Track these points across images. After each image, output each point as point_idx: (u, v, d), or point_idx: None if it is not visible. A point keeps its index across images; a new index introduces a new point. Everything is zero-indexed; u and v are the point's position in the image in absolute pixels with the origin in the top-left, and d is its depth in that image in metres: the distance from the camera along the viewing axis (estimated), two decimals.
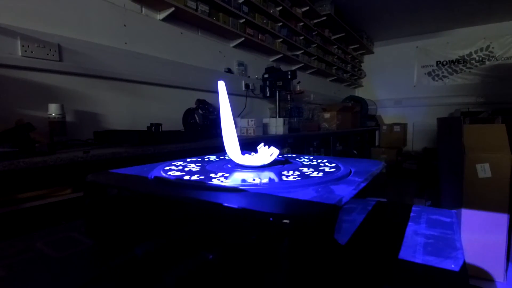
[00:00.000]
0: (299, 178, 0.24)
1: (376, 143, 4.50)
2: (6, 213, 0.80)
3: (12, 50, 1.21)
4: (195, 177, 0.24)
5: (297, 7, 2.98)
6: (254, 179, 0.23)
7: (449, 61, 4.42)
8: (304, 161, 0.35)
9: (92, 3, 1.51)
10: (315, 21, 3.37)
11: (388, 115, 4.91)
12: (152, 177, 0.26)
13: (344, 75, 4.54)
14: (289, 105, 2.70)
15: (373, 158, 4.13)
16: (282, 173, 0.27)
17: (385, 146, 4.22)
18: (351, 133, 3.56)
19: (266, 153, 0.30)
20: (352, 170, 0.30)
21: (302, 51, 3.29)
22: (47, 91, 1.33)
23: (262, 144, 0.32)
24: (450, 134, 2.08)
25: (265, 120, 2.18)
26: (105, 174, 0.28)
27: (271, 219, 0.15)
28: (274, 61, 2.95)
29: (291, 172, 0.27)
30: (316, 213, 0.15)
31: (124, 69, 1.63)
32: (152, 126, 1.44)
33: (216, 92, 1.81)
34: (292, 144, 2.42)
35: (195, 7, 1.92)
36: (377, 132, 4.52)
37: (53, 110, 1.25)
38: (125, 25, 1.68)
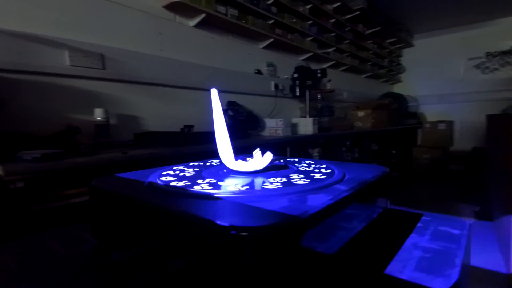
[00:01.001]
0: (281, 186, 0.24)
1: (418, 142, 4.18)
2: (54, 208, 0.90)
3: (61, 60, 1.34)
4: (181, 183, 0.25)
5: (328, 3, 2.89)
6: (235, 186, 0.23)
7: (500, 52, 3.95)
8: (302, 166, 0.35)
9: (131, 14, 1.62)
10: (347, 16, 3.24)
11: (431, 112, 4.53)
12: (147, 182, 0.27)
13: (380, 70, 4.30)
14: (319, 104, 2.64)
15: (415, 159, 3.85)
16: (268, 180, 0.26)
17: (428, 145, 3.91)
18: (388, 132, 3.37)
19: (259, 159, 0.30)
20: (346, 177, 0.28)
21: (334, 48, 3.18)
22: (92, 97, 1.46)
23: (258, 149, 0.32)
24: (501, 132, 1.87)
25: (294, 120, 2.15)
26: (108, 179, 0.30)
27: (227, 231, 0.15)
28: (304, 60, 2.90)
29: (278, 179, 0.27)
30: (271, 225, 0.15)
31: (159, 74, 1.72)
32: (185, 128, 1.50)
33: (245, 93, 1.83)
34: (323, 144, 2.36)
35: (225, 12, 1.96)
36: (419, 131, 4.20)
37: (98, 114, 1.37)
38: (160, 33, 1.77)
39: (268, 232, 0.15)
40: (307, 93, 2.44)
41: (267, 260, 0.16)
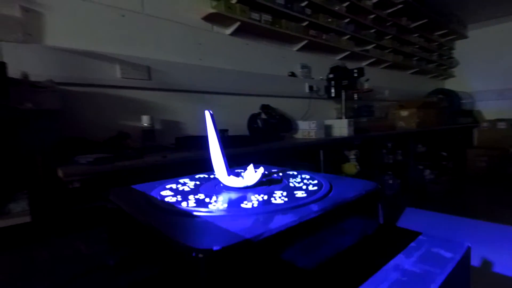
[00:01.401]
0: (256, 205, 0.26)
1: (474, 143, 3.74)
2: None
3: (113, 73, 1.50)
4: (174, 199, 0.29)
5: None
6: (215, 204, 0.26)
7: None
8: (294, 180, 0.36)
9: (174, 27, 1.74)
10: (388, 10, 3.05)
11: (490, 110, 4.00)
12: (147, 196, 0.31)
13: (429, 65, 3.95)
14: (356, 105, 2.52)
15: (470, 161, 3.47)
16: (251, 197, 0.28)
17: (486, 146, 3.48)
18: (436, 132, 3.08)
19: (251, 174, 0.32)
20: (331, 194, 0.29)
21: (373, 45, 3.02)
22: (140, 105, 1.60)
23: (252, 165, 0.34)
24: None
25: (328, 122, 2.10)
26: (122, 190, 0.35)
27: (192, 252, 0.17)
28: (340, 59, 2.80)
29: (260, 197, 0.28)
30: (224, 249, 0.17)
31: (198, 82, 1.81)
32: (219, 132, 1.57)
33: (279, 96, 1.84)
34: (360, 146, 2.26)
35: (258, 19, 2.00)
36: (475, 130, 3.75)
37: (145, 120, 1.50)
38: (199, 44, 1.87)
39: (222, 255, 0.18)
40: (343, 93, 2.36)
41: (222, 280, 0.18)
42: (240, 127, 1.88)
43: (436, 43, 3.88)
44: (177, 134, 1.69)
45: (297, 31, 2.23)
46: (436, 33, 3.83)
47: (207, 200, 0.27)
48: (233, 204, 0.26)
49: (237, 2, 1.87)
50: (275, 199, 0.27)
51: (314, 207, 0.25)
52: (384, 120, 2.76)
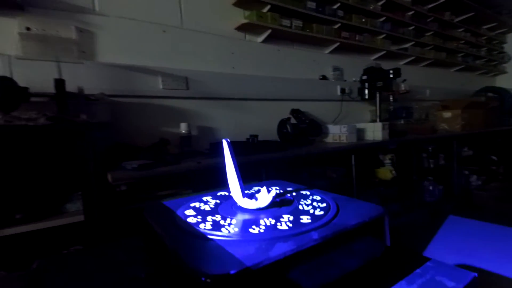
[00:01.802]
0: (262, 231, 0.28)
1: None
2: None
3: (156, 84, 1.62)
4: (194, 220, 0.32)
5: None
6: (228, 227, 0.29)
7: None
8: (305, 202, 0.37)
9: (209, 39, 1.82)
10: (429, 6, 2.84)
11: None
12: (176, 213, 0.35)
13: (476, 62, 3.59)
14: (391, 107, 2.39)
15: None
16: (259, 221, 0.31)
17: None
18: (485, 134, 2.79)
19: (263, 197, 0.34)
20: (335, 221, 0.30)
21: (412, 42, 2.83)
22: (179, 113, 1.71)
23: (264, 187, 0.36)
24: None
25: (361, 125, 2.02)
26: (153, 207, 0.39)
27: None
28: (375, 59, 2.68)
29: (268, 221, 0.31)
30: (225, 275, 0.20)
31: (231, 89, 1.88)
32: (250, 137, 1.61)
33: (310, 100, 1.84)
34: (397, 150, 2.14)
35: (289, 25, 2.00)
36: None
37: (183, 127, 1.60)
38: (232, 53, 1.93)
39: (224, 281, 0.20)
40: (377, 95, 2.25)
41: None
42: (271, 131, 1.90)
43: (485, 37, 3.51)
44: (211, 139, 1.77)
45: (328, 34, 2.19)
46: (484, 27, 3.47)
47: (222, 222, 0.30)
48: (243, 229, 0.29)
49: (268, 11, 1.90)
50: (281, 225, 0.29)
51: (315, 235, 0.26)
52: (425, 122, 2.58)
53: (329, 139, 1.95)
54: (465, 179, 2.68)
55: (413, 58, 2.90)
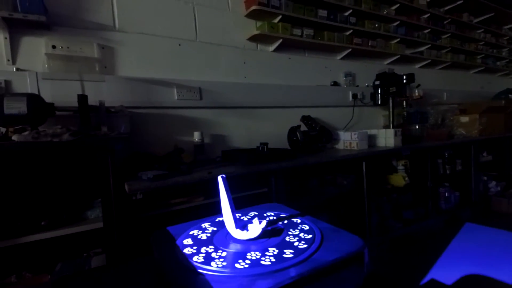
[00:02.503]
0: (247, 266, 0.30)
1: None
2: (164, 213, 1.17)
3: (171, 95, 1.68)
4: (190, 251, 0.35)
5: None
6: (218, 261, 0.31)
7: None
8: (293, 233, 0.39)
9: (222, 51, 1.86)
10: (446, 7, 2.74)
11: None
12: (176, 242, 0.38)
13: (498, 63, 3.41)
14: (404, 112, 2.33)
15: None
16: (246, 254, 0.33)
17: None
18: (505, 139, 2.65)
19: (254, 228, 0.36)
20: (315, 255, 0.31)
21: (428, 45, 2.74)
22: (192, 122, 1.75)
23: (257, 219, 0.38)
24: None
25: (373, 132, 1.99)
26: (158, 235, 0.42)
27: None
28: (389, 64, 2.61)
29: (254, 255, 0.33)
30: None
31: (243, 98, 1.90)
32: (260, 145, 1.63)
33: (321, 106, 1.85)
34: (411, 156, 2.09)
35: (300, 34, 2.00)
36: None
37: (196, 136, 1.65)
38: (244, 63, 1.96)
39: None
40: (391, 101, 2.20)
41: None
42: (283, 138, 1.91)
43: (506, 38, 3.33)
44: (223, 147, 1.80)
45: (340, 41, 2.17)
46: (505, 27, 3.29)
47: (213, 254, 0.33)
48: (231, 264, 0.31)
49: (279, 21, 1.91)
50: (265, 259, 0.31)
51: (293, 272, 0.28)
52: (441, 127, 2.48)
53: (340, 146, 1.93)
54: (484, 185, 2.56)
55: (428, 61, 2.81)
